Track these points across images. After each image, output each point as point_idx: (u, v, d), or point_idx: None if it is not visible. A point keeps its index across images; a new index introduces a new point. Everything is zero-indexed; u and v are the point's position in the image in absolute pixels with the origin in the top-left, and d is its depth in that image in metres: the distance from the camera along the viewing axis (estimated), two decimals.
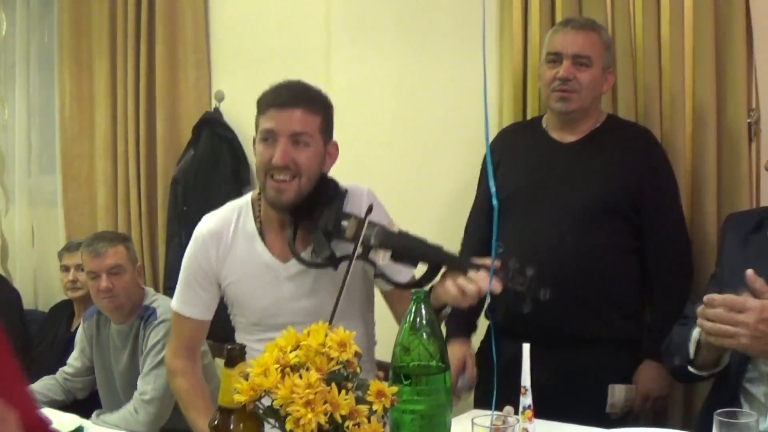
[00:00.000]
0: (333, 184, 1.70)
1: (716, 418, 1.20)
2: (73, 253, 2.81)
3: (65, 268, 2.85)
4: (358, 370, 1.18)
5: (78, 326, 2.73)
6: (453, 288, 1.52)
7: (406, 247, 1.59)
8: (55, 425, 1.98)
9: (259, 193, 1.74)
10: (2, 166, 3.68)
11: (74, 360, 2.60)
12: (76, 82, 3.29)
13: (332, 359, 1.15)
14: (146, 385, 2.32)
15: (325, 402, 1.10)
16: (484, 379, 1.97)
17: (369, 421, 1.12)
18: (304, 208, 1.65)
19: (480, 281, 1.50)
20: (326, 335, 1.17)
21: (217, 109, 2.96)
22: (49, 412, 2.06)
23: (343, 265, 1.59)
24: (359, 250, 1.57)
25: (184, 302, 1.79)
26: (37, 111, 3.57)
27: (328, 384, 1.12)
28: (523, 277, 1.53)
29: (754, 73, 2.03)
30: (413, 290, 1.30)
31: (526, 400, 1.42)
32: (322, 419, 1.09)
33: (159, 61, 3.05)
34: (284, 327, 1.70)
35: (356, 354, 1.18)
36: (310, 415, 1.09)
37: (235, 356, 1.23)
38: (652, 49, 2.13)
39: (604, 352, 1.97)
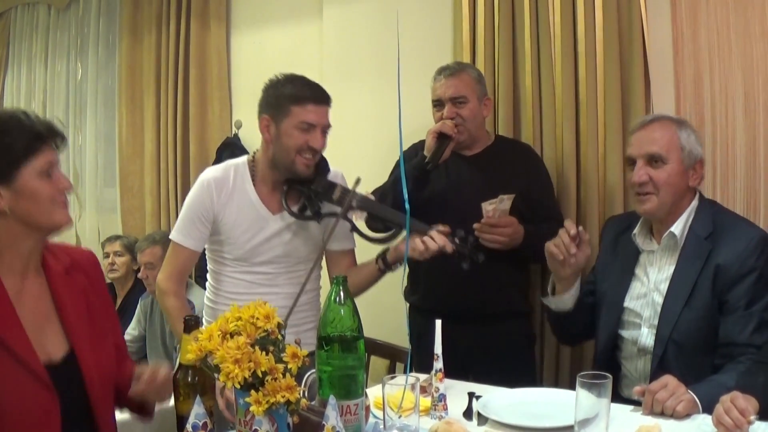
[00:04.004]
0: (325, 161, 1.78)
1: (579, 380, 1.20)
2: (111, 242, 2.88)
3: (106, 255, 2.88)
4: (279, 337, 1.19)
5: (120, 304, 2.80)
6: (419, 243, 1.64)
7: (379, 212, 1.70)
8: None
9: (253, 158, 1.80)
10: (77, 180, 3.74)
11: (132, 329, 2.64)
12: (130, 114, 3.36)
13: (259, 328, 1.17)
14: None
15: (250, 360, 1.13)
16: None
17: (284, 377, 1.14)
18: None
19: (439, 240, 1.63)
20: (256, 309, 1.21)
21: (236, 135, 3.00)
22: None
23: (325, 220, 1.72)
24: (341, 210, 1.66)
25: (184, 234, 1.78)
26: (103, 137, 3.63)
27: (254, 347, 1.14)
28: (466, 243, 1.66)
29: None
30: (335, 276, 1.32)
31: (438, 364, 1.46)
32: (247, 374, 1.12)
33: (192, 98, 3.12)
34: (263, 263, 1.78)
35: (278, 325, 1.20)
36: (237, 370, 1.12)
37: (192, 324, 1.29)
38: (569, 91, 2.14)
39: (506, 323, 1.98)
